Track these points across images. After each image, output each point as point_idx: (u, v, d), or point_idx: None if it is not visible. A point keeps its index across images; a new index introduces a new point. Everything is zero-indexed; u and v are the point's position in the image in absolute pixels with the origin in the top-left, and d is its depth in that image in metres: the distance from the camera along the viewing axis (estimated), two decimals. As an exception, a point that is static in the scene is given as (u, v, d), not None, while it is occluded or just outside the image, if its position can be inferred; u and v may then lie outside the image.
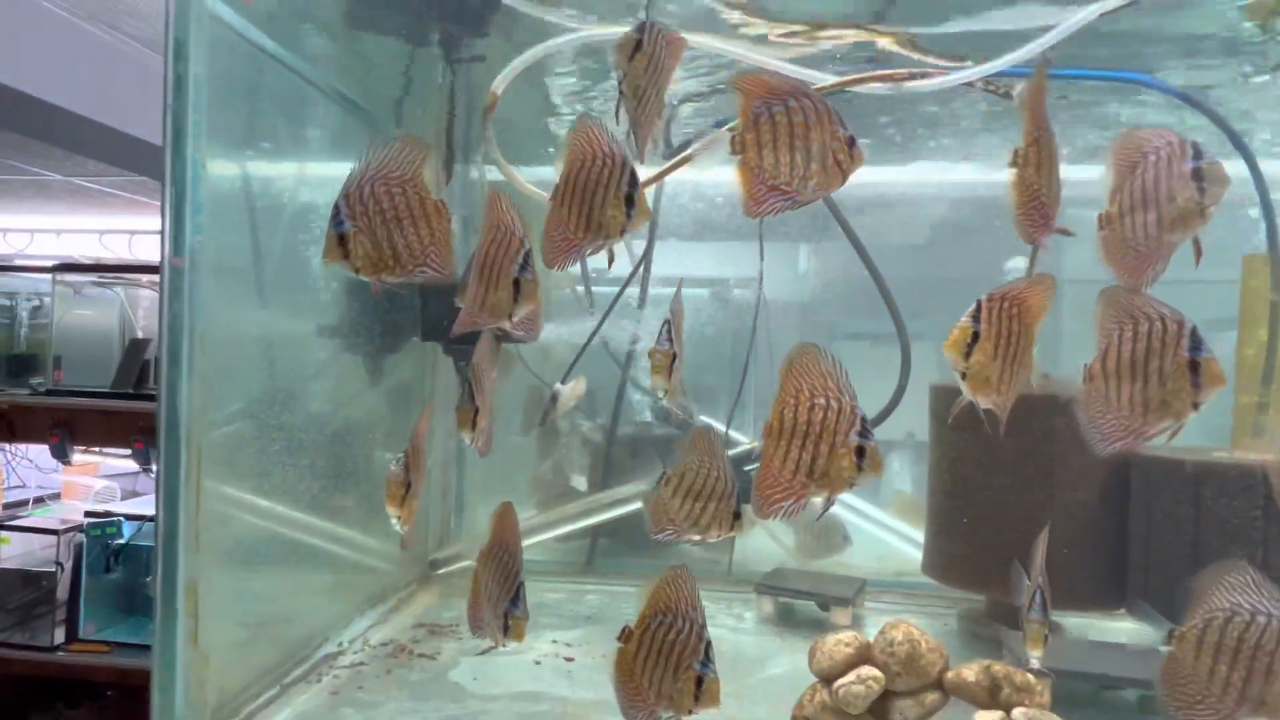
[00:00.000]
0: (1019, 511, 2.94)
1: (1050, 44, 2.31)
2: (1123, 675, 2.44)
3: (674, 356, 1.91)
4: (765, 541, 4.21)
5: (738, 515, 2.07)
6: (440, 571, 3.70)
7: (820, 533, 4.49)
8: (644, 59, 1.67)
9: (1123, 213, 1.77)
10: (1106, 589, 2.88)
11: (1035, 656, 1.94)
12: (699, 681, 1.68)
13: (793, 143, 1.66)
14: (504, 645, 1.84)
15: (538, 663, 2.63)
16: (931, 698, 1.94)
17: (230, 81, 2.35)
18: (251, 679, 2.29)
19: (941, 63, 2.52)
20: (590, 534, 3.92)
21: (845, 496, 4.56)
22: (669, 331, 1.94)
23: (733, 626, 3.18)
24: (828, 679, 1.98)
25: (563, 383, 3.36)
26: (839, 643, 2.00)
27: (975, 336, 1.59)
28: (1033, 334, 1.66)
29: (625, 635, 1.79)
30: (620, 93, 1.73)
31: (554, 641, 2.83)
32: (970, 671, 1.91)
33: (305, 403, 3.00)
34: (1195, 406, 1.66)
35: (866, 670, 1.94)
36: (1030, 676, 1.89)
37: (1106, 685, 2.51)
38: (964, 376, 1.60)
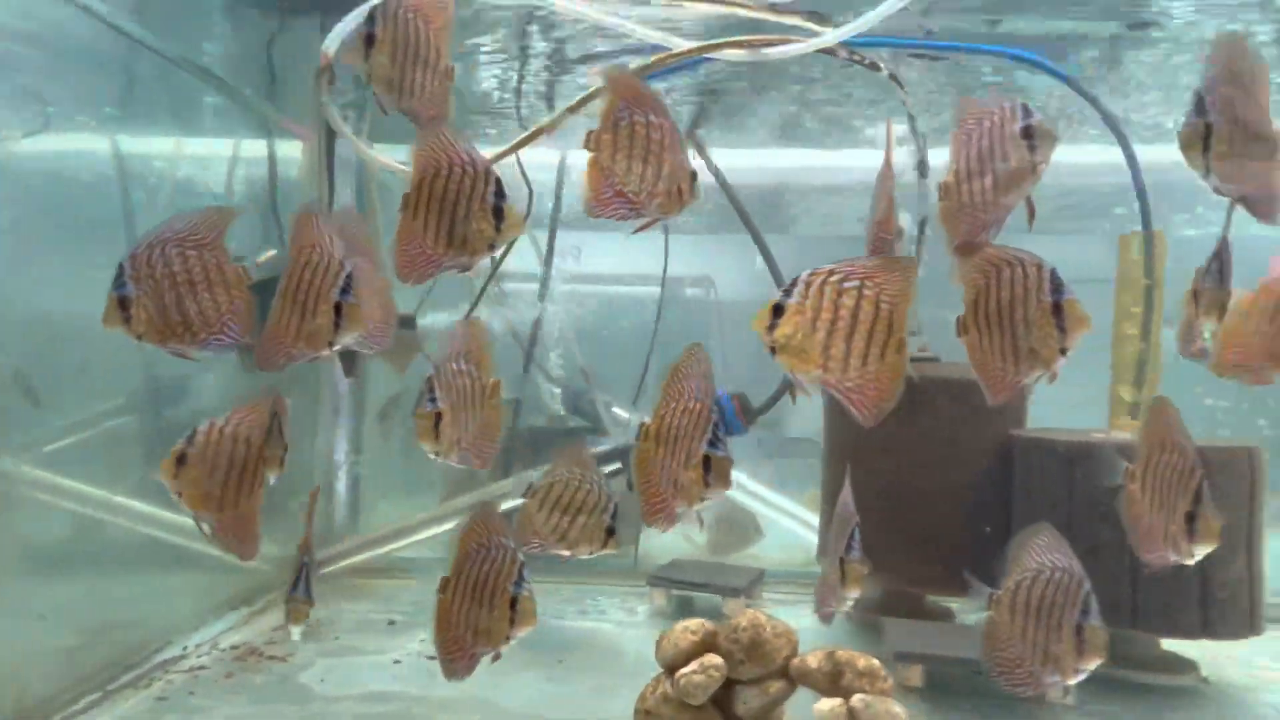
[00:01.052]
0: (909, 497, 2.88)
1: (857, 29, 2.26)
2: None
3: (439, 416, 1.73)
4: (674, 534, 4.14)
5: (611, 531, 1.98)
6: (324, 571, 3.54)
7: (731, 525, 4.42)
8: (385, 48, 1.56)
9: (959, 180, 1.72)
10: (997, 572, 2.83)
11: (851, 597, 1.86)
12: (514, 603, 1.64)
13: (646, 156, 1.64)
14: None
15: (398, 662, 2.50)
16: (776, 686, 1.85)
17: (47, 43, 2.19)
18: (69, 685, 2.12)
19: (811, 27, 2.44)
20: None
21: (761, 490, 4.54)
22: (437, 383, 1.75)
23: (620, 620, 3.08)
24: (671, 669, 1.88)
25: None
26: (685, 631, 1.91)
27: (779, 309, 1.51)
28: (893, 317, 1.56)
29: (442, 585, 1.71)
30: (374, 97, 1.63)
31: (423, 640, 2.70)
32: (814, 658, 1.83)
33: (164, 392, 2.85)
34: (1063, 352, 1.62)
35: (709, 659, 1.84)
36: (874, 662, 1.81)
37: (977, 671, 2.45)
38: (773, 352, 1.52)
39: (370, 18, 1.55)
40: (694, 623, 1.92)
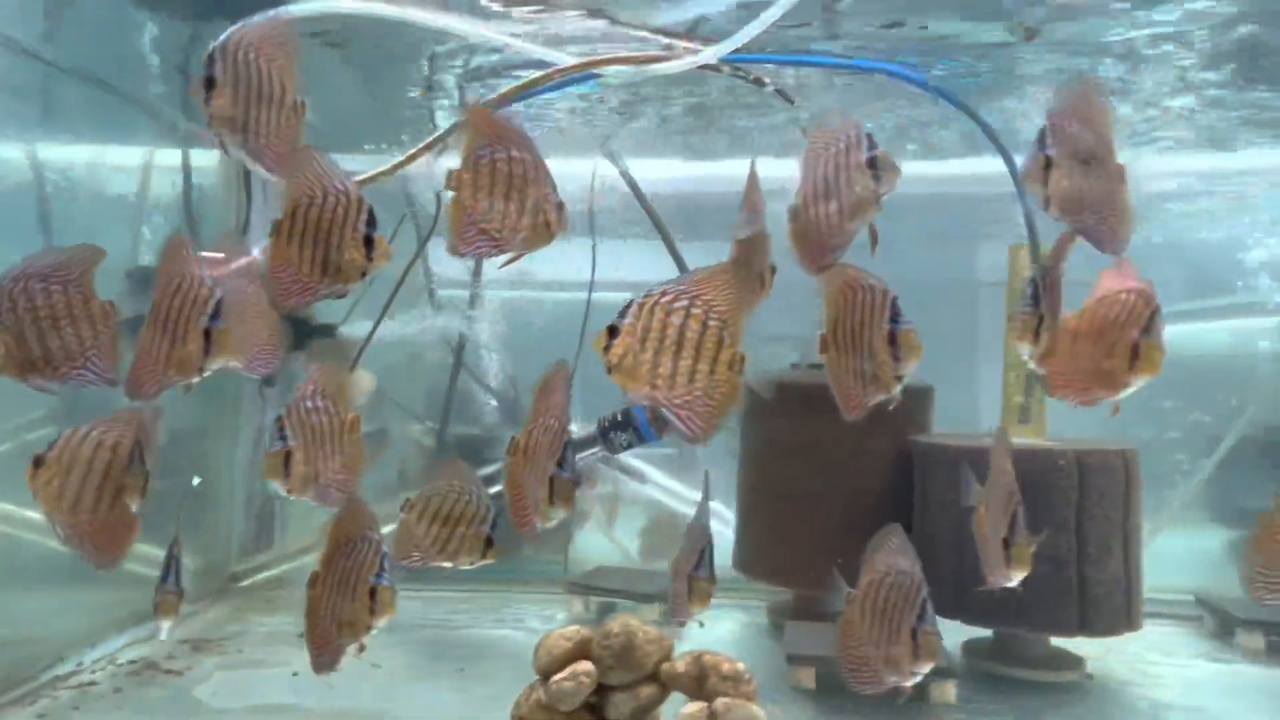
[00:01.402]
0: (810, 501, 2.94)
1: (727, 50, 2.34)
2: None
3: (289, 454, 1.76)
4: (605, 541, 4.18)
5: (490, 542, 2.01)
6: (244, 584, 3.53)
7: (663, 531, 4.46)
8: (226, 91, 1.56)
9: (807, 204, 1.78)
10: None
11: (699, 612, 1.89)
12: (373, 594, 1.67)
13: (509, 193, 1.66)
14: None
15: (296, 674, 2.50)
16: (647, 691, 1.89)
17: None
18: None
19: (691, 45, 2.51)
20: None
21: (692, 493, 4.59)
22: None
23: (534, 628, 3.10)
24: (546, 675, 1.91)
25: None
26: (560, 638, 1.94)
27: (613, 331, 1.55)
28: (722, 333, 1.60)
29: (311, 580, 1.73)
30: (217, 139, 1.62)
31: (328, 651, 2.70)
32: (681, 662, 1.87)
33: (86, 406, 2.83)
34: (898, 378, 1.69)
35: (580, 665, 1.88)
36: (739, 666, 1.85)
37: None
38: (609, 371, 1.56)
39: (210, 59, 1.56)
40: (571, 629, 1.96)
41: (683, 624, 1.89)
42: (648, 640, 1.90)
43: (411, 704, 2.29)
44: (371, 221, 1.66)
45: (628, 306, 1.54)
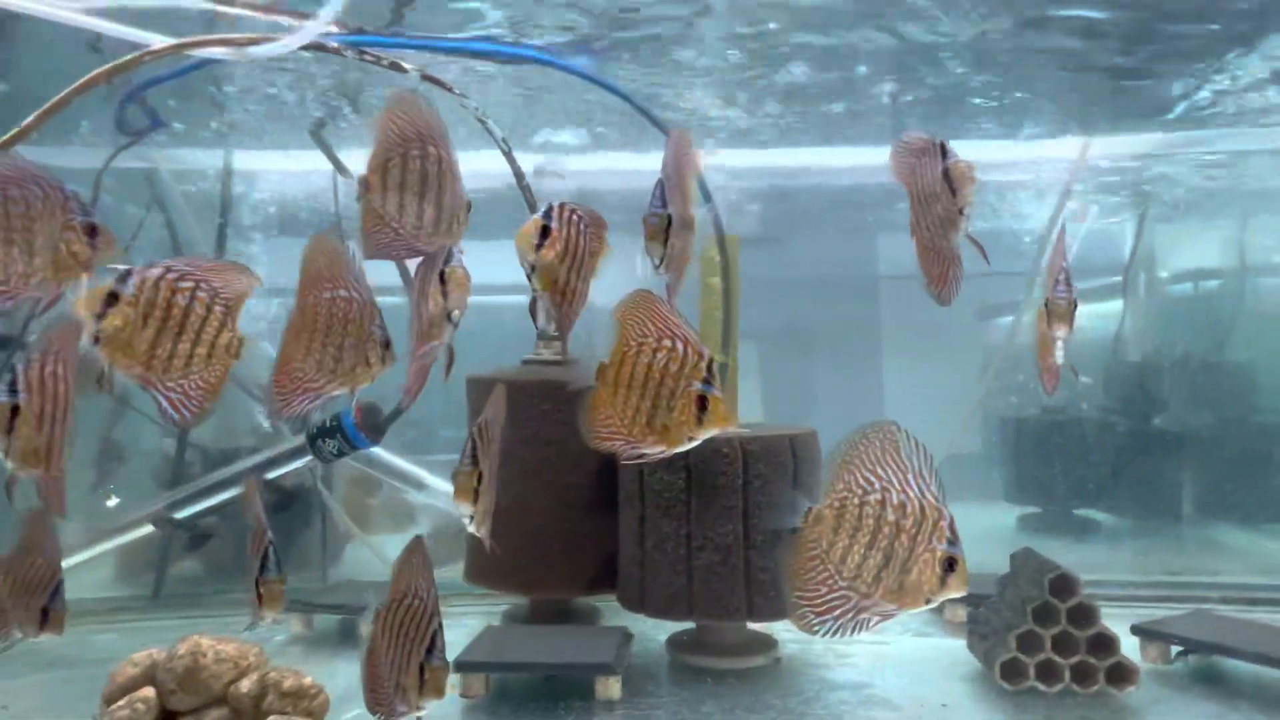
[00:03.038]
0: (523, 502, 2.88)
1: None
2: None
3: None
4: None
5: (46, 613, 1.76)
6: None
7: (446, 537, 4.36)
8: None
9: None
10: (605, 573, 2.86)
11: (270, 617, 1.82)
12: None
13: (423, 192, 1.67)
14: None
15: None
16: (215, 715, 1.78)
17: None
18: None
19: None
20: (159, 559, 3.58)
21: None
22: None
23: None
24: (109, 704, 1.79)
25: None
26: (129, 664, 1.82)
27: (113, 297, 1.46)
28: (225, 321, 1.55)
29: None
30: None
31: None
32: (248, 681, 1.78)
33: None
34: (692, 440, 1.69)
35: (140, 693, 1.76)
36: (304, 681, 1.77)
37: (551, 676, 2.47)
38: (97, 342, 1.46)
39: None
40: (142, 655, 1.84)
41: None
42: (218, 660, 1.80)
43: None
44: (87, 210, 1.58)
45: (127, 274, 1.45)
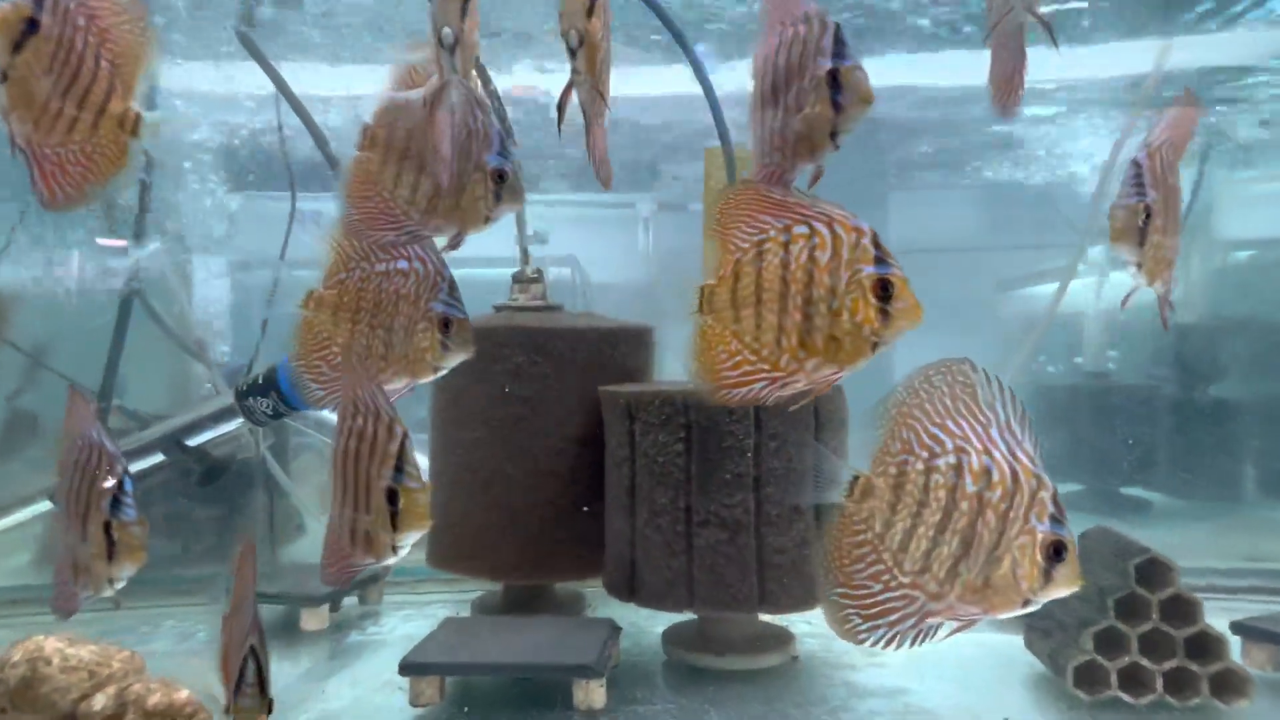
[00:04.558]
0: (491, 470, 2.43)
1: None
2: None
3: None
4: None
5: None
6: None
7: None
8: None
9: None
10: (590, 554, 2.42)
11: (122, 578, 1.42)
12: None
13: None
14: None
15: None
16: (57, 738, 1.36)
17: None
18: None
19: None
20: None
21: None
22: None
23: (162, 649, 2.51)
24: (-76, 726, 1.37)
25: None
26: (-48, 671, 1.39)
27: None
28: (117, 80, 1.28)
29: None
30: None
31: None
32: (103, 697, 1.35)
33: None
34: (834, 137, 1.25)
35: (-45, 711, 1.33)
36: (177, 697, 1.34)
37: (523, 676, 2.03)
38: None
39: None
40: (-26, 660, 1.41)
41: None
42: (65, 669, 1.37)
43: None
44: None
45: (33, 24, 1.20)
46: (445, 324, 1.41)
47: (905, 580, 1.17)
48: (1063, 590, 1.13)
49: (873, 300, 1.20)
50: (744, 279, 1.27)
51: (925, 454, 1.18)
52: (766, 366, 1.28)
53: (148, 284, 3.19)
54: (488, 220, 1.38)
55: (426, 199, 1.38)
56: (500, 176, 1.35)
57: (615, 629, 2.13)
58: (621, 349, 2.52)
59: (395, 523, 1.25)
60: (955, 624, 1.16)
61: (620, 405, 2.18)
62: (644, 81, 3.80)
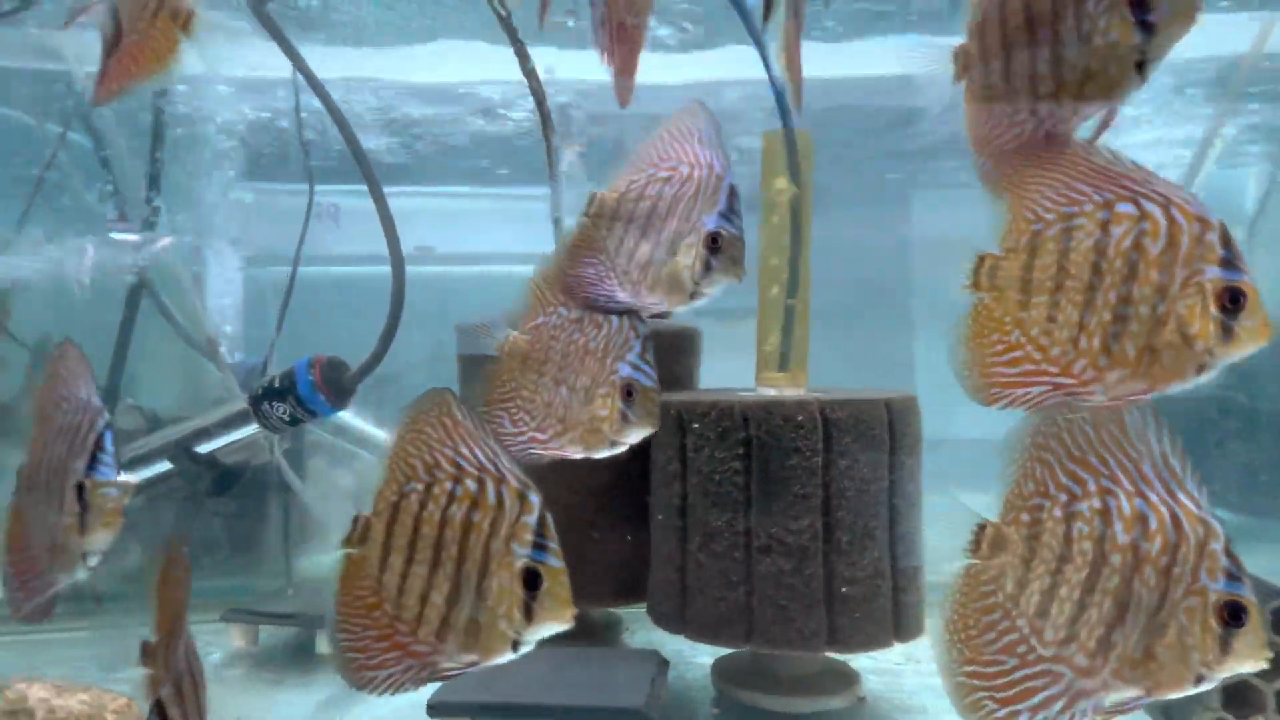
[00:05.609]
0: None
1: None
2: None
3: None
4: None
5: None
6: None
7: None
8: None
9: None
10: (633, 577, 2.21)
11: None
12: None
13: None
14: None
15: None
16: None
17: None
18: None
19: None
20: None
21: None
22: None
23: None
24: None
25: None
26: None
27: None
28: None
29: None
30: None
31: None
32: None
33: None
34: (1140, 69, 0.99)
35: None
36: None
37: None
38: None
39: None
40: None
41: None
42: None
43: None
44: None
45: None
46: (628, 391, 1.22)
47: (1046, 654, 0.95)
48: (1247, 664, 0.92)
49: (1214, 311, 0.97)
50: (1043, 256, 1.03)
51: (1063, 500, 0.97)
52: (1055, 369, 1.03)
53: (157, 277, 3.01)
54: (694, 296, 1.23)
55: (640, 268, 1.25)
56: (714, 241, 1.17)
57: (663, 663, 1.92)
58: (664, 353, 2.31)
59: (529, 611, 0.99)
60: (1109, 708, 0.95)
61: (670, 416, 1.97)
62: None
